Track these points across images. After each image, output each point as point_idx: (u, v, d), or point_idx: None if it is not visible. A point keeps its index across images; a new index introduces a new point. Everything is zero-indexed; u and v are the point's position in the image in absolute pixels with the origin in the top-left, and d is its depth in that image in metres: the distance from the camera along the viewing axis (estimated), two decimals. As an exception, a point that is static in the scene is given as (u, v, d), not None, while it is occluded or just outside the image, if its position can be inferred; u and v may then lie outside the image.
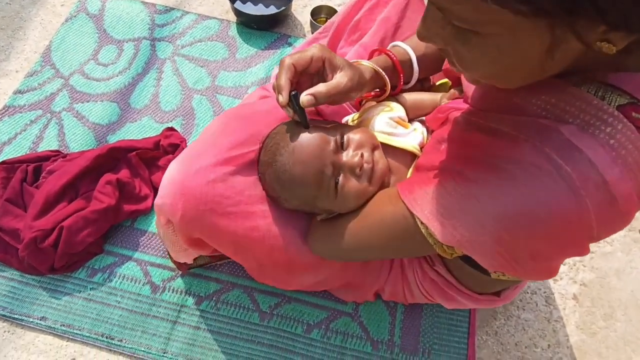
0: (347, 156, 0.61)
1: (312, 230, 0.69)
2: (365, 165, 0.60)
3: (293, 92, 0.57)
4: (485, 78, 0.44)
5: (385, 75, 0.68)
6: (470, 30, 0.36)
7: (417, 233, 0.52)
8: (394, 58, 0.70)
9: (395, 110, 0.68)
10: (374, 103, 0.71)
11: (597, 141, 0.39)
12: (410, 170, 0.66)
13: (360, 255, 0.71)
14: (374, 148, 0.62)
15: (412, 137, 0.66)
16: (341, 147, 0.61)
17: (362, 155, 0.60)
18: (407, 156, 0.66)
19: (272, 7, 1.32)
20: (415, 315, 0.96)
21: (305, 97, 0.58)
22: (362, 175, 0.61)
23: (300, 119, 0.60)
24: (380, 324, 0.94)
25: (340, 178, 0.61)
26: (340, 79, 0.60)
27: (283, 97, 0.57)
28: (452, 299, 0.77)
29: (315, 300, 0.95)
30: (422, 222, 0.50)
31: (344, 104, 0.78)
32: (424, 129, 0.68)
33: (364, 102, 0.74)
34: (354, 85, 0.61)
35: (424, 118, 0.70)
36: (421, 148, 0.66)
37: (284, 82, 0.57)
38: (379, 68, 0.68)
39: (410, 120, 0.70)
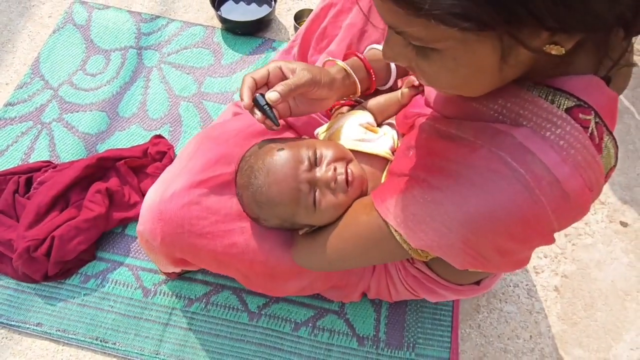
0: (321, 172, 0.63)
1: (294, 246, 0.71)
2: (338, 177, 0.63)
3: (257, 95, 0.60)
4: (449, 90, 0.47)
5: (354, 74, 0.71)
6: (428, 47, 0.39)
7: (392, 240, 0.54)
8: (362, 58, 0.72)
9: (363, 116, 0.71)
10: (344, 110, 0.74)
11: (548, 143, 0.41)
12: (384, 174, 0.68)
13: (343, 265, 0.74)
14: (347, 161, 0.65)
15: (382, 142, 0.69)
16: (315, 163, 0.64)
17: (335, 169, 0.62)
18: (380, 161, 0.69)
19: (255, 12, 1.34)
20: (399, 311, 0.99)
21: (270, 94, 0.60)
22: (336, 188, 0.63)
23: (270, 118, 0.62)
24: (365, 321, 0.97)
25: (317, 194, 0.63)
26: (300, 73, 0.63)
27: (246, 101, 0.60)
28: (435, 292, 0.80)
29: (302, 299, 0.98)
30: (395, 230, 0.53)
31: (315, 115, 0.81)
32: (394, 132, 0.71)
33: (333, 111, 0.77)
34: (316, 78, 0.63)
35: (393, 121, 0.72)
36: (393, 152, 0.69)
37: (246, 89, 0.61)
38: (347, 67, 0.71)
39: (380, 125, 0.73)
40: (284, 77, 0.64)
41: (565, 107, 0.42)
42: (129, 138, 1.16)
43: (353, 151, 0.67)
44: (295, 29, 1.35)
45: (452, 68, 0.41)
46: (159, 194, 0.66)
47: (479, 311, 1.03)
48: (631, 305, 1.06)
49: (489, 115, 0.46)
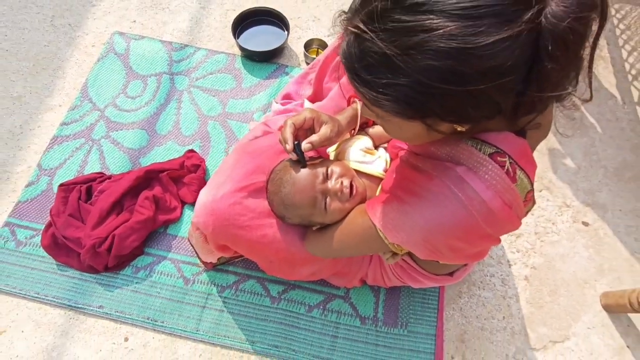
0: (331, 184, 0.83)
1: (307, 238, 0.92)
2: (344, 189, 0.83)
3: (296, 142, 0.81)
4: (401, 140, 0.68)
5: (359, 116, 0.92)
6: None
7: (377, 236, 0.74)
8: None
9: (364, 141, 0.92)
10: (348, 136, 0.95)
11: (477, 176, 0.61)
12: (379, 188, 0.89)
13: (342, 254, 0.94)
14: (351, 176, 0.86)
15: (377, 165, 0.90)
16: (327, 177, 0.84)
17: (342, 183, 0.83)
18: (375, 179, 0.90)
19: (271, 41, 1.55)
20: (394, 295, 1.20)
21: (305, 145, 0.82)
22: (342, 197, 0.84)
23: (301, 160, 0.84)
24: (366, 304, 1.18)
25: (328, 200, 0.84)
26: (325, 130, 0.84)
27: (289, 146, 0.81)
28: (417, 279, 1.01)
29: (314, 286, 1.19)
30: (379, 229, 0.74)
31: None
32: (387, 155, 0.92)
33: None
34: (334, 134, 0.85)
35: (386, 145, 0.93)
36: (385, 171, 0.90)
37: (289, 135, 0.81)
38: (358, 110, 0.92)
39: (377, 147, 0.94)
40: (313, 126, 0.85)
41: (488, 152, 0.62)
42: (166, 152, 1.37)
43: (355, 170, 0.88)
44: (305, 55, 1.56)
45: (399, 131, 0.63)
46: (211, 195, 0.87)
47: (461, 296, 1.24)
48: (589, 292, 1.27)
49: (441, 155, 0.67)
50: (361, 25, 0.50)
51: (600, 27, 0.51)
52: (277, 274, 1.06)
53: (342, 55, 0.54)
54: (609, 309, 1.23)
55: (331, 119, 0.86)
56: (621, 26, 1.76)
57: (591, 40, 0.51)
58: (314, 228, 0.91)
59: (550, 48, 0.47)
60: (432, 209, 0.64)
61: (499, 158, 0.61)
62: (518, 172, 0.62)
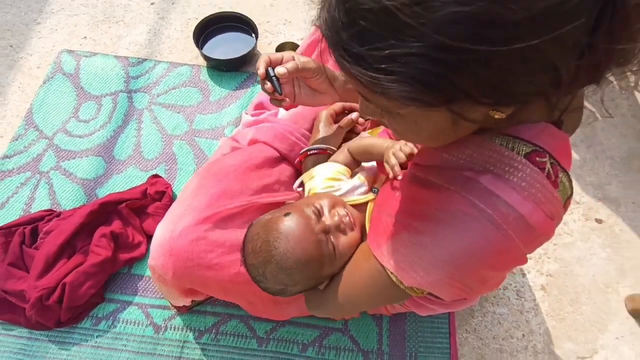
0: (328, 219, 0.68)
1: (307, 299, 0.76)
2: (344, 219, 0.69)
3: (269, 68, 0.71)
4: (416, 142, 0.53)
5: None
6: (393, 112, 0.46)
7: (390, 281, 0.59)
8: None
9: (331, 167, 0.79)
10: (310, 165, 0.83)
11: (510, 185, 0.47)
12: (368, 209, 0.74)
13: (353, 309, 0.79)
14: (343, 204, 0.71)
15: (357, 193, 0.76)
16: (319, 214, 0.69)
17: (338, 213, 0.68)
18: (358, 206, 0.75)
19: (238, 48, 1.41)
20: (399, 323, 1.04)
21: (279, 68, 0.71)
22: (345, 228, 0.69)
23: (276, 89, 0.72)
24: (368, 335, 1.03)
25: (332, 239, 0.68)
26: (308, 60, 0.74)
27: (261, 70, 0.71)
28: (424, 307, 0.86)
29: (307, 320, 1.03)
30: (390, 272, 0.58)
31: (301, 143, 0.89)
32: (365, 179, 0.77)
33: (304, 160, 0.85)
34: (320, 68, 0.75)
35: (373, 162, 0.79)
36: (371, 187, 0.76)
37: (262, 63, 0.72)
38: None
39: (359, 165, 0.80)
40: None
41: (524, 153, 0.48)
42: (126, 180, 1.21)
43: None
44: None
45: (414, 128, 0.47)
46: (169, 231, 0.72)
47: (474, 316, 1.09)
48: (613, 297, 1.14)
49: (458, 163, 0.52)
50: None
51: None
52: (263, 315, 0.90)
53: (324, 25, 0.39)
54: (636, 313, 1.10)
55: (316, 60, 0.75)
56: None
57: None
58: (321, 287, 0.73)
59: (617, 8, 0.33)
60: (455, 235, 0.49)
61: (537, 158, 0.47)
62: (560, 174, 0.48)
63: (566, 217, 1.24)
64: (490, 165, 0.48)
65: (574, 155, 1.34)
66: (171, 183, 1.19)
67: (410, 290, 0.59)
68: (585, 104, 1.45)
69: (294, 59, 0.74)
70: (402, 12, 0.32)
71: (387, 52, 0.34)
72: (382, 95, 0.39)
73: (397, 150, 0.66)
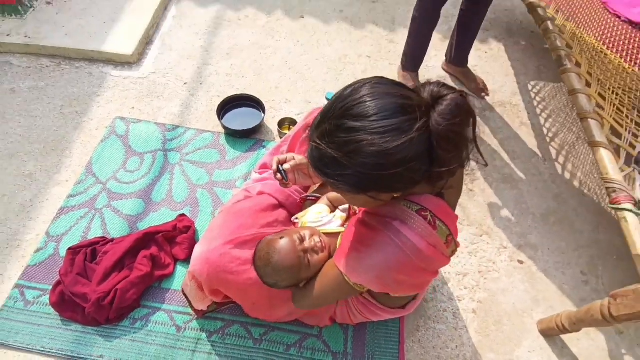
0: (307, 243, 1.07)
1: (294, 297, 1.14)
2: (317, 244, 1.07)
3: (279, 166, 1.10)
4: (358, 207, 0.93)
5: None
6: None
7: (344, 281, 0.96)
8: None
9: (318, 208, 1.18)
10: (307, 205, 1.22)
11: (408, 227, 0.85)
12: (339, 239, 1.12)
13: (324, 302, 1.14)
14: (319, 234, 1.10)
15: (333, 224, 1.15)
16: (302, 240, 1.08)
17: (314, 240, 1.07)
18: (334, 234, 1.14)
19: (250, 121, 1.85)
20: (361, 332, 1.38)
21: (286, 165, 1.10)
22: (317, 250, 1.07)
23: (284, 177, 1.10)
24: (337, 340, 1.36)
25: (309, 256, 1.06)
26: (302, 159, 1.12)
27: (274, 167, 1.09)
28: (376, 314, 1.21)
29: (291, 327, 1.37)
30: (345, 275, 0.95)
31: (296, 197, 1.28)
32: (343, 214, 1.17)
33: (307, 197, 1.24)
34: (307, 162, 1.11)
35: (346, 205, 1.19)
36: (344, 224, 1.15)
37: (275, 163, 1.11)
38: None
39: (336, 208, 1.20)
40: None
41: (415, 209, 0.87)
42: (160, 217, 1.59)
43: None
44: (278, 132, 1.86)
45: (354, 201, 0.88)
46: (205, 248, 1.09)
47: (419, 330, 1.43)
48: (527, 320, 1.48)
49: (383, 213, 0.91)
50: (317, 141, 0.77)
51: (474, 124, 0.78)
52: (258, 315, 1.25)
53: (309, 158, 0.80)
54: (544, 333, 1.44)
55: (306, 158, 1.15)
56: (537, 98, 2.16)
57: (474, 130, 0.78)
58: (301, 285, 1.11)
59: (436, 143, 0.74)
60: (379, 254, 0.87)
61: (422, 213, 0.87)
62: (437, 222, 0.87)
63: (495, 257, 1.61)
64: (399, 216, 0.88)
65: (504, 212, 1.74)
66: (194, 220, 1.57)
67: (356, 285, 0.96)
68: (517, 171, 1.90)
69: (294, 159, 1.14)
70: (342, 159, 0.73)
71: (338, 172, 0.75)
72: (338, 189, 0.81)
73: None
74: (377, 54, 2.27)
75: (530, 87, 2.20)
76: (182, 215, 1.57)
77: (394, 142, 0.71)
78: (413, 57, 2.03)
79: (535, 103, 2.14)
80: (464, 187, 1.77)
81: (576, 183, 1.84)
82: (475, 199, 1.76)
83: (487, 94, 2.11)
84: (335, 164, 0.74)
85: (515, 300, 1.52)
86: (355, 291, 0.98)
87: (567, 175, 1.87)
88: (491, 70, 2.25)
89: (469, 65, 2.15)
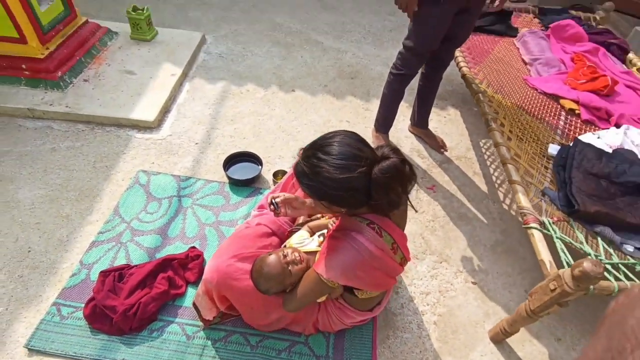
0: (290, 257, 1.41)
1: (284, 301, 1.45)
2: (296, 258, 1.41)
3: (271, 198, 1.44)
4: (325, 213, 1.31)
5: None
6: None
7: (320, 280, 1.28)
8: None
9: (300, 233, 1.54)
10: (295, 232, 1.59)
11: (363, 236, 1.21)
12: (317, 255, 1.47)
13: (307, 301, 1.46)
14: (298, 251, 1.45)
15: (312, 244, 1.50)
16: (285, 256, 1.42)
17: (295, 255, 1.41)
18: (313, 252, 1.49)
19: (250, 172, 2.26)
20: (340, 339, 1.66)
21: (277, 198, 1.45)
22: (297, 262, 1.41)
23: (276, 208, 1.44)
24: (320, 346, 1.63)
25: (290, 267, 1.40)
26: (289, 195, 1.47)
27: (269, 200, 1.44)
28: (349, 315, 1.51)
29: (281, 336, 1.65)
30: (320, 274, 1.29)
31: (286, 226, 1.65)
32: (320, 238, 1.53)
33: (293, 228, 1.61)
34: (294, 197, 1.47)
35: (324, 231, 1.55)
36: (320, 244, 1.50)
37: (269, 196, 1.47)
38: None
39: (314, 234, 1.56)
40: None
41: (366, 223, 1.24)
42: (175, 249, 1.92)
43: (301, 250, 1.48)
44: (273, 181, 2.25)
45: (316, 204, 1.24)
46: (216, 261, 1.42)
47: (389, 338, 1.71)
48: (480, 330, 1.77)
49: (345, 227, 1.27)
50: (301, 163, 1.16)
51: (405, 182, 1.17)
52: (254, 321, 1.55)
53: (295, 171, 1.18)
54: (493, 339, 1.72)
55: (296, 199, 1.51)
56: (487, 153, 2.61)
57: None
58: (288, 290, 1.44)
59: (372, 186, 1.12)
60: (342, 256, 1.23)
61: (371, 225, 1.23)
62: (383, 232, 1.23)
63: (453, 280, 1.93)
64: (355, 228, 1.24)
65: (460, 243, 2.09)
66: (203, 251, 1.90)
67: (328, 281, 1.29)
68: (472, 209, 2.31)
69: (284, 195, 1.50)
70: (310, 175, 1.13)
71: (308, 183, 1.14)
72: (309, 195, 1.19)
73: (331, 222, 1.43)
74: (355, 119, 2.76)
75: (481, 144, 2.66)
76: (193, 247, 1.91)
77: (341, 175, 1.10)
78: (384, 122, 2.49)
79: (486, 157, 2.58)
80: (428, 223, 2.15)
81: (519, 219, 2.22)
82: (436, 233, 2.12)
83: (446, 150, 2.56)
84: (306, 177, 1.14)
85: (470, 314, 1.82)
86: (329, 287, 1.31)
87: (512, 213, 2.25)
88: (449, 131, 2.73)
89: (431, 127, 2.63)
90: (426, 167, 2.46)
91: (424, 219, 2.17)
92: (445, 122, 2.81)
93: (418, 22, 1.89)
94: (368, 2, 4.20)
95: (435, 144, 2.57)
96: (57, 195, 2.12)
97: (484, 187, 2.39)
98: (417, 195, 2.28)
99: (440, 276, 1.94)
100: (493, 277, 1.96)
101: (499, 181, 2.43)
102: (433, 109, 2.62)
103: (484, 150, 2.61)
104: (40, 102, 2.51)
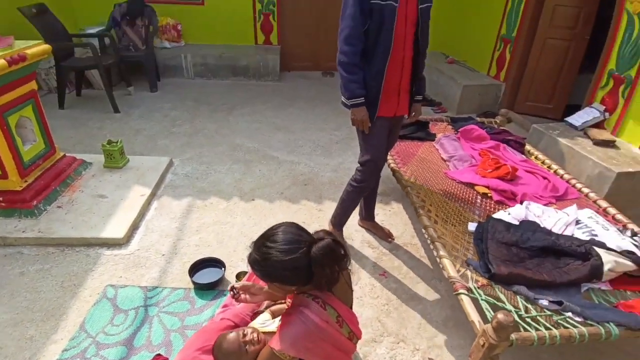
0: (247, 337, 1.55)
1: None
2: (254, 338, 1.55)
3: (232, 286, 1.61)
4: (277, 293, 1.51)
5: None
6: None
7: (273, 353, 1.42)
8: None
9: (263, 316, 1.71)
10: (261, 313, 1.74)
11: (310, 310, 1.41)
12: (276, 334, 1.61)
13: None
14: (257, 331, 1.59)
15: (272, 326, 1.66)
16: (244, 335, 1.57)
17: (253, 336, 1.56)
18: (272, 332, 1.63)
19: (214, 275, 2.42)
20: None
21: (237, 284, 1.61)
22: (254, 343, 1.55)
23: (234, 294, 1.59)
24: None
25: (248, 346, 1.54)
26: (249, 283, 1.65)
27: (230, 287, 1.61)
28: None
29: None
30: (272, 347, 1.43)
31: (248, 318, 1.80)
32: (277, 322, 1.68)
33: (258, 311, 1.76)
34: (251, 285, 1.64)
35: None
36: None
37: (230, 286, 1.64)
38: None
39: (276, 316, 1.72)
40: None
41: (312, 298, 1.44)
42: (140, 359, 1.96)
43: (261, 330, 1.63)
44: (236, 282, 2.41)
45: (270, 287, 1.46)
46: (182, 355, 1.54)
47: (354, 423, 1.75)
48: (440, 404, 1.84)
49: (297, 304, 1.47)
50: (253, 252, 1.40)
51: (338, 260, 1.43)
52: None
53: (249, 261, 1.40)
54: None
55: (254, 285, 1.67)
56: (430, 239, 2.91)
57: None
58: None
59: (312, 263, 1.37)
60: (292, 329, 1.40)
61: (316, 300, 1.44)
62: (327, 306, 1.43)
63: (410, 358, 2.05)
64: (302, 303, 1.44)
65: (414, 322, 2.25)
66: (169, 358, 1.95)
67: (280, 354, 1.42)
68: (421, 289, 2.57)
69: (243, 282, 1.72)
70: (261, 261, 1.37)
71: (258, 268, 1.38)
72: (263, 279, 1.41)
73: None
74: (310, 220, 3.05)
75: (423, 231, 2.98)
76: (159, 354, 1.96)
77: (287, 257, 1.35)
78: (340, 221, 2.78)
79: (429, 242, 2.87)
80: (382, 307, 2.32)
81: (465, 295, 2.43)
82: (391, 315, 2.28)
83: (393, 239, 2.85)
84: (258, 264, 1.36)
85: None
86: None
87: (457, 290, 2.47)
88: (394, 222, 3.06)
89: (378, 220, 2.95)
90: (377, 255, 2.71)
91: (378, 304, 2.34)
92: (390, 214, 3.15)
93: (369, 138, 2.34)
94: (315, 121, 4.86)
95: (383, 235, 2.86)
96: (22, 318, 2.17)
97: (430, 268, 2.63)
98: (371, 282, 2.48)
99: (399, 356, 2.06)
100: (447, 351, 2.09)
101: (439, 263, 2.69)
102: (378, 204, 2.98)
103: (426, 236, 2.92)
104: (13, 230, 2.67)
